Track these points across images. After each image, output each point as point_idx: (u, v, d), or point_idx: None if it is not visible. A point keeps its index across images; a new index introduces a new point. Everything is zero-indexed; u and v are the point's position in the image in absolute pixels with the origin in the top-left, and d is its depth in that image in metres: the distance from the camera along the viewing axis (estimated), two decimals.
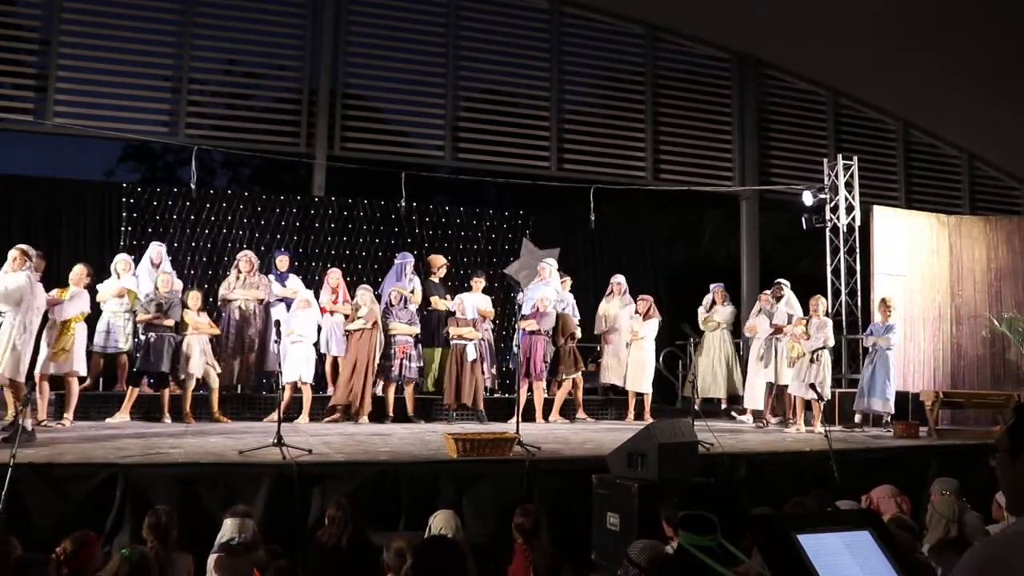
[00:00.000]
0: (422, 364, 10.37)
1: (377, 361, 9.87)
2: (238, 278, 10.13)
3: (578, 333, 10.82)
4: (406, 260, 10.81)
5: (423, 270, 11.21)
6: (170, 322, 9.26)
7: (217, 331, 9.69)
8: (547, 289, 10.65)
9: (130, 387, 9.32)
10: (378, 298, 10.42)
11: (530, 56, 14.50)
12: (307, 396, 9.74)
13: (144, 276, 10.09)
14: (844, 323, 12.66)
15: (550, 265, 11.09)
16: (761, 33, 14.79)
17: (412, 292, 10.50)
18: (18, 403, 7.14)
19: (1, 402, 7.76)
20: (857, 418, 10.47)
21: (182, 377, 9.36)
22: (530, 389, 10.37)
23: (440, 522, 5.09)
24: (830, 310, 12.56)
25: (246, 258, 10.24)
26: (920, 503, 6.08)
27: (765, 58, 15.70)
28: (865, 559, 2.20)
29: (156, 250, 10.37)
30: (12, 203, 11.29)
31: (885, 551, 2.23)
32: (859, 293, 12.72)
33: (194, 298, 9.55)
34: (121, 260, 9.99)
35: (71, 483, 5.79)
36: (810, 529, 2.18)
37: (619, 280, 11.56)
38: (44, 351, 8.34)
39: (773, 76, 15.93)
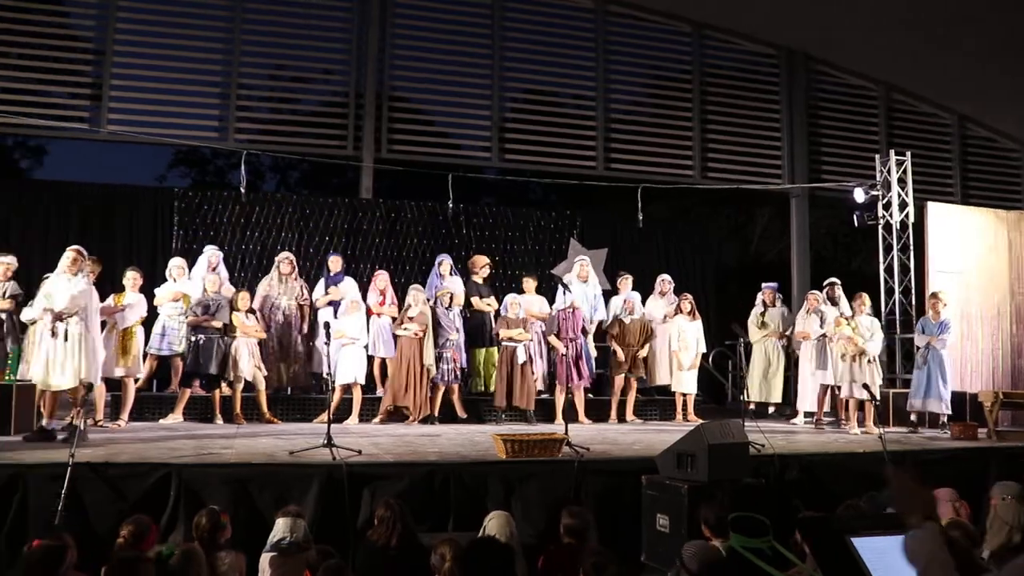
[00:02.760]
0: (465, 366, 10.36)
1: (428, 362, 9.90)
2: (280, 280, 10.23)
3: (653, 337, 10.78)
4: (440, 260, 10.88)
5: (464, 270, 11.24)
6: (218, 324, 9.36)
7: (263, 335, 9.69)
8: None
9: (182, 388, 9.47)
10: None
11: (576, 56, 14.46)
12: (357, 397, 9.79)
13: (200, 279, 10.22)
14: (898, 322, 12.44)
15: (585, 262, 11.11)
16: (811, 29, 14.58)
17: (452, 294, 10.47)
18: (80, 405, 7.32)
19: (64, 403, 7.91)
20: (912, 419, 10.26)
21: (231, 379, 9.48)
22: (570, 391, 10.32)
23: (495, 524, 5.08)
24: (883, 308, 12.36)
25: (287, 260, 10.34)
26: (979, 508, 5.93)
27: (815, 54, 15.49)
28: None
29: (212, 253, 10.51)
30: (69, 209, 11.53)
31: None
32: (913, 291, 12.49)
33: (243, 300, 9.65)
34: (176, 264, 10.13)
35: (127, 482, 5.90)
36: (865, 532, 2.14)
37: (666, 279, 11.48)
38: (102, 354, 8.49)
39: (823, 72, 15.70)
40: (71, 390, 7.50)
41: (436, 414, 9.95)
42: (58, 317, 7.41)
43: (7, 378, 8.34)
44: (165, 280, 10.07)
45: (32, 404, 7.89)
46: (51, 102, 12.10)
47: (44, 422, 7.56)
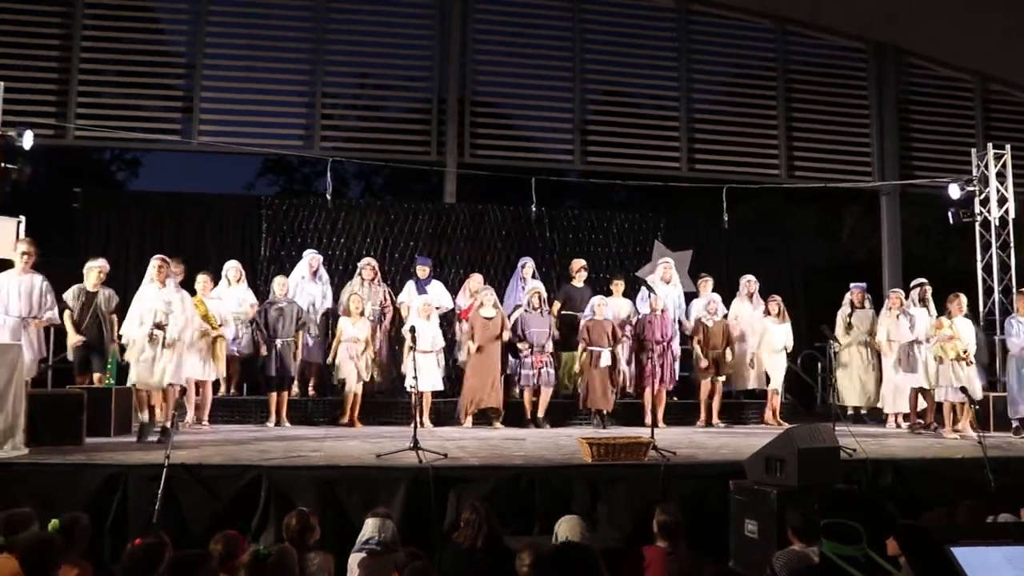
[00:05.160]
0: (553, 370, 10.32)
1: (510, 365, 9.92)
2: (362, 285, 10.35)
3: (736, 339, 10.65)
4: (523, 263, 10.92)
5: (548, 274, 11.22)
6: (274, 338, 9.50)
7: (359, 340, 9.73)
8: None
9: (271, 393, 9.65)
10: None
11: (657, 56, 14.37)
12: (427, 401, 9.84)
13: (302, 284, 10.43)
14: (997, 322, 11.98)
15: (669, 264, 11.03)
16: (899, 20, 14.18)
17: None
18: (171, 408, 7.56)
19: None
20: (1014, 424, 9.85)
21: (334, 383, 9.63)
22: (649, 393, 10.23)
23: (566, 529, 5.04)
24: (981, 308, 11.93)
25: (369, 266, 10.47)
26: None
27: (905, 46, 15.05)
28: None
29: (312, 257, 10.67)
30: (164, 218, 11.90)
31: None
32: (1014, 290, 12.01)
33: (355, 303, 9.80)
34: (232, 267, 10.18)
35: (220, 483, 6.07)
36: (967, 542, 2.05)
37: (751, 279, 11.30)
38: (193, 358, 8.74)
39: (914, 64, 15.25)
40: (163, 392, 7.75)
41: (531, 417, 9.96)
42: (157, 325, 7.69)
43: (106, 382, 8.67)
44: (230, 283, 10.15)
45: (129, 407, 8.17)
46: (145, 115, 12.56)
47: (145, 418, 7.82)
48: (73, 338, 8.56)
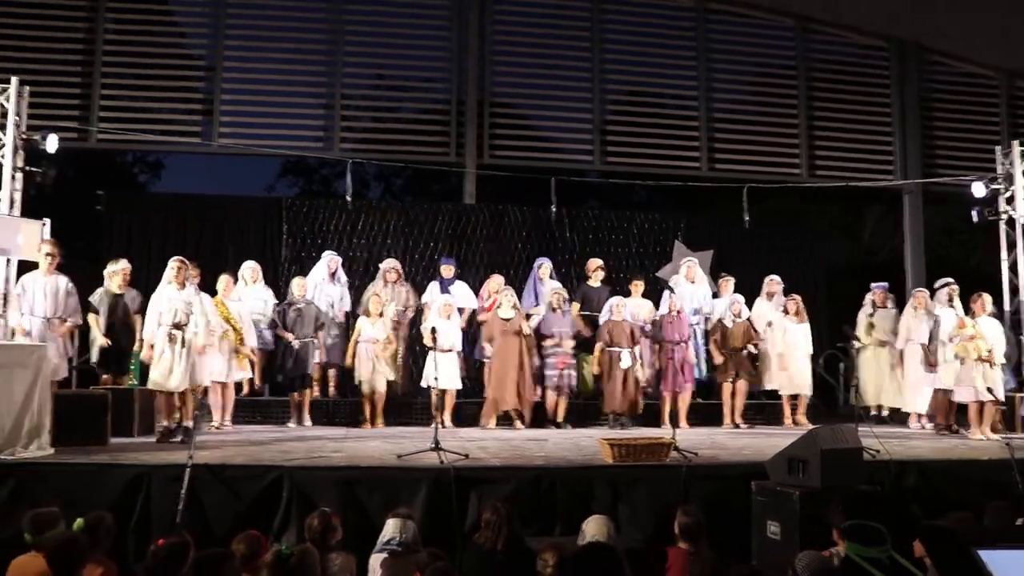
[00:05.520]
0: (575, 372, 10.30)
1: (534, 366, 9.91)
2: (384, 286, 10.37)
3: (756, 339, 10.60)
4: (539, 263, 10.91)
5: (567, 274, 11.19)
6: (290, 337, 9.53)
7: (379, 341, 9.73)
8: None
9: (293, 393, 9.69)
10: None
11: (676, 55, 14.29)
12: (449, 401, 9.88)
13: (320, 286, 10.47)
14: (1023, 322, 11.86)
15: (693, 263, 11.00)
16: (922, 17, 14.06)
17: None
18: (194, 409, 7.63)
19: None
20: None
21: (356, 383, 9.68)
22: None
23: (593, 528, 5.05)
24: (1007, 308, 11.80)
25: (394, 269, 10.49)
26: None
27: (928, 43, 14.91)
28: None
29: (331, 258, 10.72)
30: (185, 220, 11.98)
31: None
32: None
33: (375, 304, 9.83)
34: (248, 268, 10.23)
35: (242, 483, 6.12)
36: (995, 544, 2.03)
37: (774, 279, 11.24)
38: (215, 359, 8.79)
39: (937, 62, 15.10)
40: (182, 394, 7.80)
41: (553, 419, 9.96)
42: (176, 326, 7.73)
43: (130, 383, 8.74)
44: (246, 284, 10.19)
45: (152, 408, 8.23)
46: (167, 118, 12.64)
47: (166, 422, 7.86)
48: (99, 340, 8.65)
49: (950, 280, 10.60)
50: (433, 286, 10.67)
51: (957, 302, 10.36)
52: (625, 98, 14.13)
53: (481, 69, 13.54)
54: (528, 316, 10.23)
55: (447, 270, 10.74)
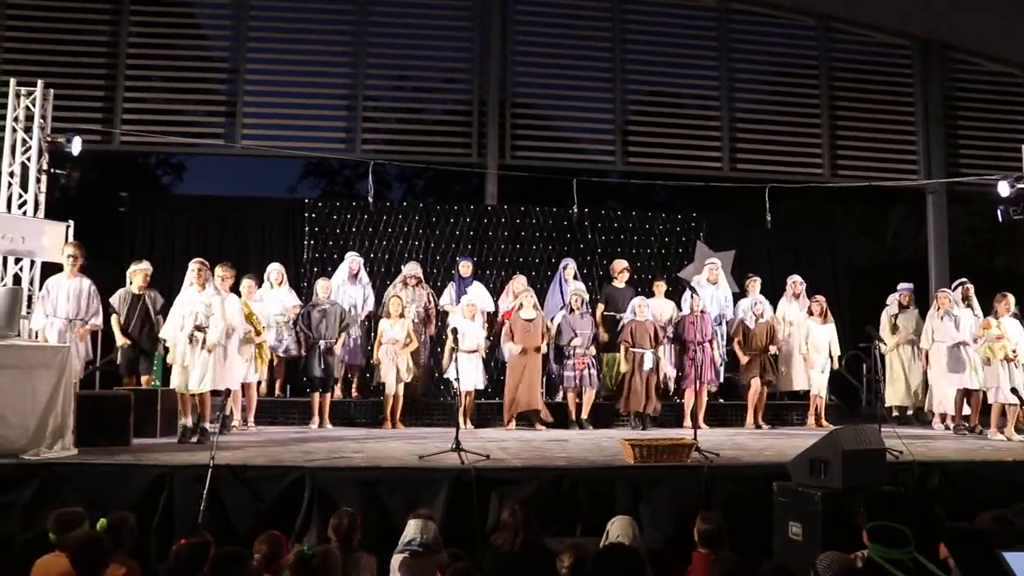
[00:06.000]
0: (595, 371, 10.27)
1: (552, 368, 9.90)
2: (404, 288, 10.39)
3: (779, 341, 10.55)
4: (564, 264, 10.90)
5: (589, 275, 11.16)
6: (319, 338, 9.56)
7: (398, 342, 9.75)
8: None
9: (314, 394, 9.72)
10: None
11: (698, 55, 14.27)
12: (468, 402, 9.85)
13: (343, 287, 10.50)
14: None
15: (715, 265, 10.97)
16: (945, 15, 13.94)
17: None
18: (208, 409, 7.67)
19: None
20: None
21: (373, 385, 9.71)
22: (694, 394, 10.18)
23: (617, 529, 5.04)
24: None
25: (414, 275, 10.50)
26: None
27: (951, 41, 14.79)
28: None
29: (353, 259, 10.74)
30: (208, 221, 12.06)
31: None
32: None
33: (395, 305, 9.87)
34: (274, 270, 10.28)
35: (263, 484, 6.14)
36: (1020, 546, 2.00)
37: (797, 280, 11.17)
38: (237, 360, 8.83)
39: (960, 60, 14.98)
40: (201, 396, 7.84)
41: (574, 419, 9.94)
42: (197, 327, 7.76)
43: (153, 383, 8.80)
44: (272, 286, 10.24)
45: (175, 408, 8.28)
46: (190, 120, 12.76)
47: (187, 422, 7.89)
48: (120, 340, 8.71)
49: (964, 280, 10.58)
50: (450, 289, 10.69)
51: (974, 301, 10.29)
52: (646, 98, 14.11)
53: (503, 70, 13.57)
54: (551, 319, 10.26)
55: (465, 267, 10.76)
